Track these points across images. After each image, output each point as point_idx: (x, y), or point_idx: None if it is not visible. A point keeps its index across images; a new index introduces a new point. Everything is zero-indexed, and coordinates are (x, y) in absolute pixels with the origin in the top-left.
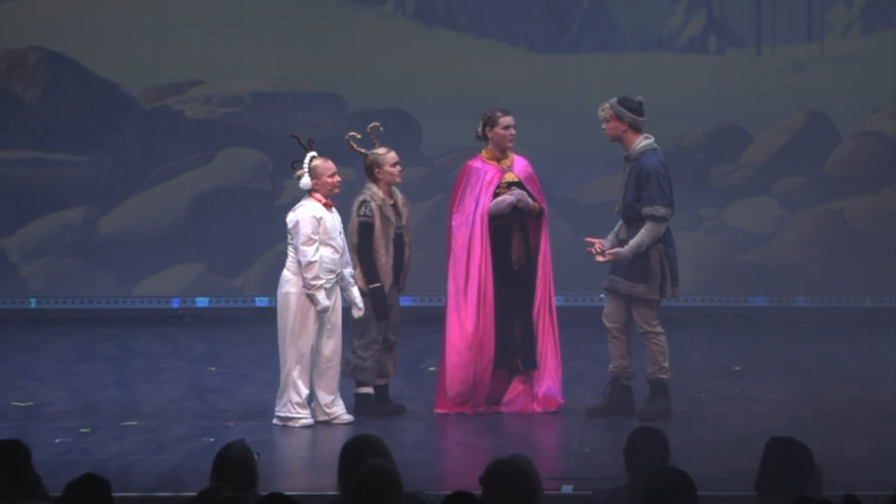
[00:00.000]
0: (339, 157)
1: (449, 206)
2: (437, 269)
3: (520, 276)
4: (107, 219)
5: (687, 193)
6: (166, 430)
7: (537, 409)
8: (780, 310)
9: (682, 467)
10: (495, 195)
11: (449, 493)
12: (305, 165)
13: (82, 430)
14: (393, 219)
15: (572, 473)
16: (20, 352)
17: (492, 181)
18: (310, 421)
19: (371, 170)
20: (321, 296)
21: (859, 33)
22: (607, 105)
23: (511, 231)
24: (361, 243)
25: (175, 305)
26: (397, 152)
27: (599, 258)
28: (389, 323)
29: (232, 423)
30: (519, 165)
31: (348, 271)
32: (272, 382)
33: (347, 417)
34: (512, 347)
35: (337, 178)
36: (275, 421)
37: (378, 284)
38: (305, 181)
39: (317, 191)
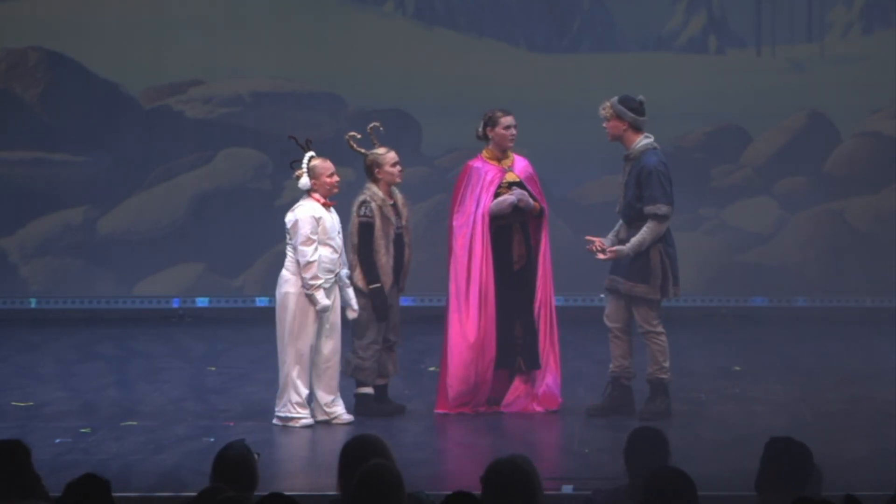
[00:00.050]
0: (338, 157)
1: (449, 207)
2: (437, 269)
3: (521, 276)
4: (107, 219)
5: (687, 193)
6: (166, 430)
7: (538, 408)
8: (780, 310)
9: (682, 467)
10: (496, 195)
11: (449, 493)
12: (304, 165)
13: (82, 430)
14: (393, 219)
15: (572, 473)
16: (20, 352)
17: (493, 181)
18: (310, 421)
19: (371, 170)
20: (320, 295)
21: (859, 33)
22: (608, 104)
23: (512, 231)
24: (361, 243)
25: (175, 305)
26: (397, 152)
27: (600, 256)
28: (389, 323)
29: (232, 423)
30: (519, 165)
31: (344, 272)
32: (272, 382)
33: (347, 417)
34: (514, 347)
35: (336, 178)
36: (275, 421)
37: (378, 285)
38: (304, 181)
39: (315, 191)
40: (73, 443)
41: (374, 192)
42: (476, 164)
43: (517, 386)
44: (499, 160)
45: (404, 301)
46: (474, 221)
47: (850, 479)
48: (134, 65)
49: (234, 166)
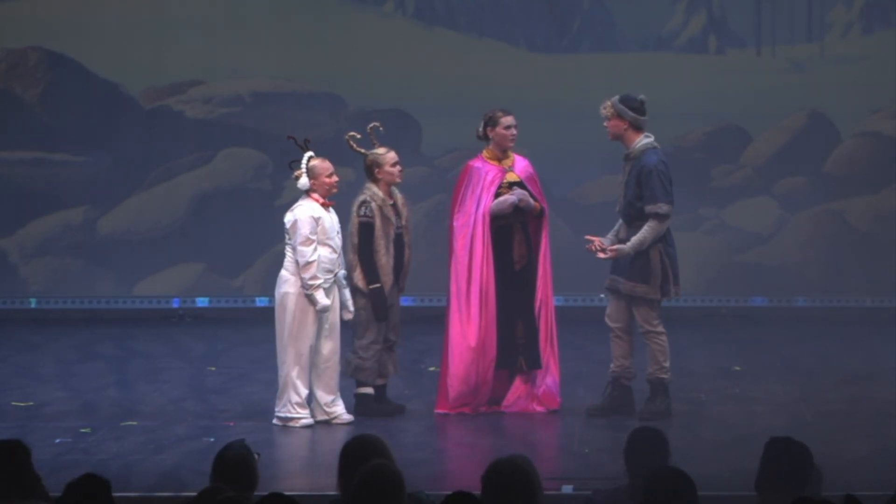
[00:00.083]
0: (338, 157)
1: (449, 207)
2: (437, 269)
3: (521, 276)
4: (107, 219)
5: (687, 193)
6: (166, 430)
7: (538, 408)
8: (780, 310)
9: (682, 467)
10: (497, 195)
11: (449, 493)
12: (303, 166)
13: (82, 430)
14: (393, 219)
15: (572, 473)
16: (20, 352)
17: (493, 181)
18: (310, 421)
19: (371, 170)
20: (320, 295)
21: (859, 33)
22: (609, 103)
23: (513, 231)
24: (362, 243)
25: (175, 305)
26: (397, 152)
27: (601, 255)
28: (390, 323)
29: (232, 423)
30: (520, 165)
31: (342, 273)
32: (272, 382)
33: (347, 417)
34: (515, 347)
35: (335, 178)
36: (275, 421)
37: (378, 285)
38: (303, 181)
39: (315, 191)
40: (73, 443)
41: (374, 192)
42: (476, 164)
43: (518, 386)
44: (499, 160)
45: (404, 301)
46: (475, 221)
47: (850, 479)
48: (134, 65)
49: (234, 166)
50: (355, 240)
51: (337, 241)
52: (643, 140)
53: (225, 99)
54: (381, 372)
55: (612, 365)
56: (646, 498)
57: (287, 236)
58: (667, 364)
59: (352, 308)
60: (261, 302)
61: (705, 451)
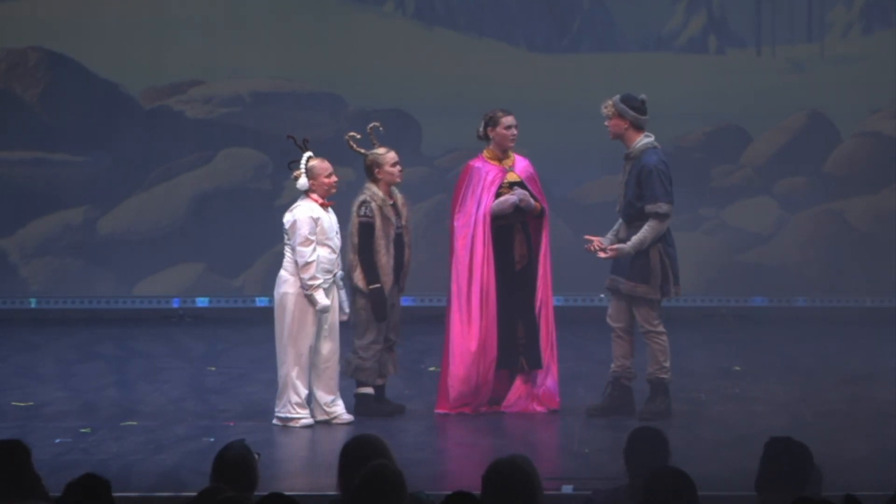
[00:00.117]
0: (338, 158)
1: (450, 207)
2: (437, 269)
3: (522, 276)
4: (107, 219)
5: (687, 193)
6: (166, 430)
7: (539, 408)
8: (780, 310)
9: (682, 467)
10: (497, 195)
11: (449, 493)
12: (302, 166)
13: (82, 430)
14: (393, 219)
15: (572, 473)
16: (20, 352)
17: (494, 181)
18: (310, 421)
19: (371, 170)
20: (319, 295)
21: (859, 33)
22: (610, 102)
23: (513, 231)
24: (362, 244)
25: (175, 305)
26: (397, 152)
27: (601, 255)
28: (390, 323)
29: (232, 423)
30: (520, 165)
31: (339, 274)
32: (272, 382)
33: (347, 417)
34: (516, 347)
35: (334, 179)
36: (275, 421)
37: (378, 285)
38: (302, 181)
39: (314, 191)
40: (73, 443)
41: (374, 192)
42: (477, 164)
43: (518, 386)
44: (500, 160)
45: (404, 301)
46: (476, 221)
47: (850, 479)
48: (134, 65)
49: (234, 166)
50: (355, 240)
51: (336, 241)
52: (643, 140)
53: (225, 99)
54: (381, 372)
55: (612, 365)
56: (646, 498)
57: (286, 236)
58: (667, 364)
59: (347, 309)
60: (261, 302)
61: (705, 451)
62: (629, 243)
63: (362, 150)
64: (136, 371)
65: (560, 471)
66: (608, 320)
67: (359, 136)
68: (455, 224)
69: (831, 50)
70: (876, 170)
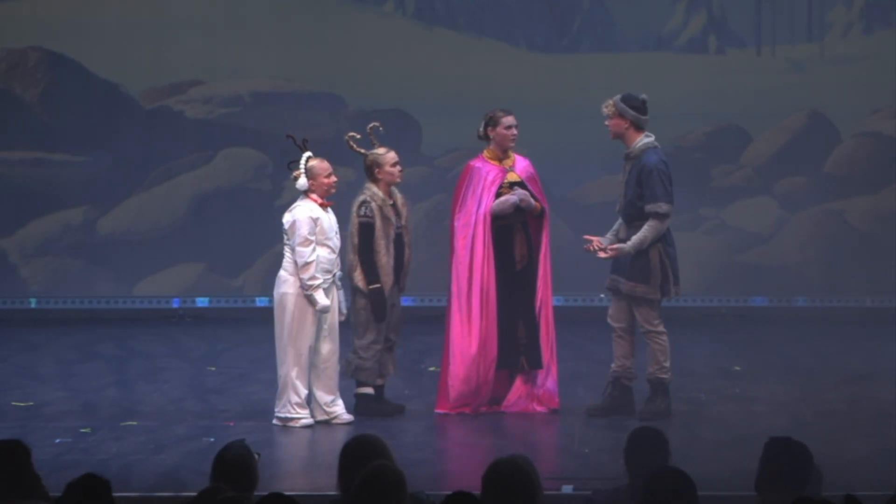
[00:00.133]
0: (338, 158)
1: (450, 207)
2: (437, 269)
3: (522, 276)
4: (107, 219)
5: (687, 193)
6: (166, 430)
7: (539, 408)
8: (780, 310)
9: (682, 467)
10: (498, 195)
11: (449, 493)
12: (301, 166)
13: (82, 430)
14: (393, 219)
15: (572, 473)
16: (20, 352)
17: (494, 181)
18: (310, 421)
19: (371, 170)
20: (319, 295)
21: (859, 33)
22: (611, 102)
23: (514, 231)
24: (362, 244)
25: (175, 305)
26: (397, 152)
27: (601, 254)
28: (390, 323)
29: (232, 423)
30: (520, 165)
31: (338, 274)
32: (272, 382)
33: (347, 417)
34: (516, 347)
35: (333, 179)
36: (275, 421)
37: (378, 285)
38: (302, 182)
39: (313, 191)
40: (73, 443)
41: (373, 192)
42: (477, 164)
43: (518, 386)
44: (500, 160)
45: (404, 301)
46: (476, 221)
47: (850, 479)
48: (134, 65)
49: (234, 166)
50: (355, 240)
51: (335, 241)
52: (644, 139)
53: (225, 99)
54: (381, 372)
55: (613, 365)
56: (646, 498)
57: (286, 237)
58: (667, 364)
59: (344, 310)
60: (261, 302)
61: (705, 451)
62: (629, 243)
63: (362, 151)
64: (136, 371)
65: (560, 471)
66: (609, 320)
67: (359, 136)
68: (455, 224)
69: (831, 50)
70: (876, 170)
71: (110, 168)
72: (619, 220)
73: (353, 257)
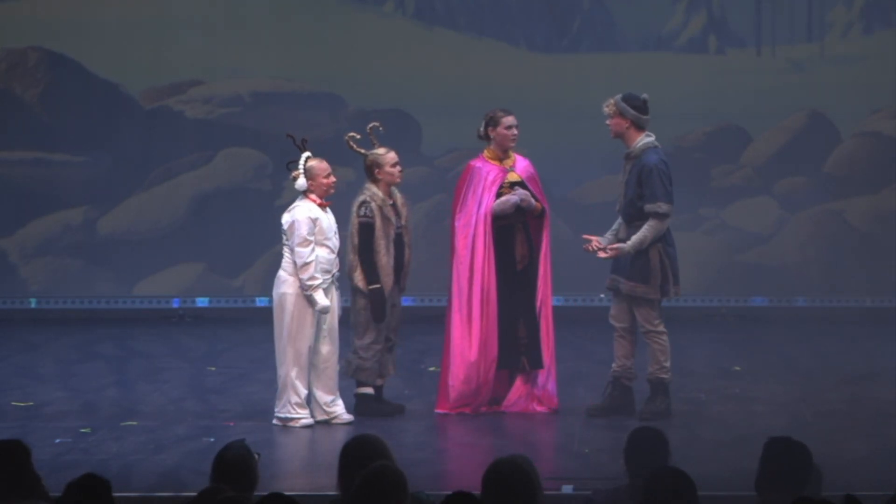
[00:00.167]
0: (338, 158)
1: (450, 207)
2: (437, 269)
3: (523, 276)
4: (107, 219)
5: (687, 193)
6: (166, 430)
7: (539, 408)
8: (780, 310)
9: (682, 467)
10: (498, 195)
11: (449, 493)
12: (300, 166)
13: (82, 430)
14: (393, 219)
15: (572, 473)
16: (20, 352)
17: (494, 181)
18: (310, 421)
19: (371, 170)
20: (319, 296)
21: (859, 33)
22: (612, 101)
23: (515, 231)
24: (362, 244)
25: (175, 305)
26: (397, 152)
27: (601, 254)
28: (390, 323)
29: (232, 423)
30: (521, 165)
31: (335, 274)
32: (272, 382)
33: (347, 417)
34: (517, 347)
35: (332, 179)
36: (274, 421)
37: (378, 286)
38: (301, 182)
39: (312, 191)
40: (73, 443)
41: (373, 192)
42: (477, 164)
43: (518, 386)
44: (500, 160)
45: (404, 301)
46: (477, 221)
47: (850, 479)
48: (134, 65)
49: (234, 166)
50: (355, 240)
51: (334, 241)
52: (644, 139)
53: (225, 99)
54: (381, 372)
55: (613, 364)
56: (646, 498)
57: (284, 237)
58: (667, 364)
59: (339, 312)
60: (261, 302)
61: (705, 451)
62: (629, 243)
63: (362, 151)
64: (136, 371)
65: (560, 471)
66: (611, 320)
67: (359, 137)
68: (456, 224)
69: (831, 50)
70: (876, 170)
71: (110, 168)
72: (619, 220)
73: (353, 257)
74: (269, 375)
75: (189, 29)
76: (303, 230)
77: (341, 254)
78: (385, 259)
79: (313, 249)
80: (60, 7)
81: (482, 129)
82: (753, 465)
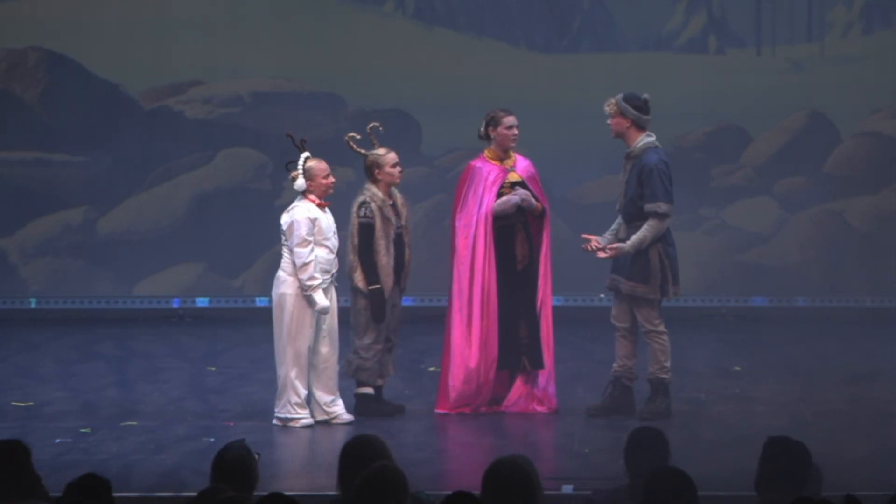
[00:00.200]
0: (338, 158)
1: (450, 207)
2: (437, 269)
3: (524, 276)
4: (107, 219)
5: (687, 193)
6: (166, 430)
7: (540, 408)
8: (780, 310)
9: (682, 467)
10: (499, 195)
11: (449, 493)
12: (300, 167)
13: (82, 430)
14: (393, 219)
15: (572, 473)
16: (20, 352)
17: (495, 181)
18: (310, 421)
19: (371, 170)
20: (318, 296)
21: (859, 33)
22: (613, 101)
23: (515, 231)
24: (362, 244)
25: (175, 305)
26: (397, 152)
27: (601, 254)
28: (391, 323)
29: (232, 423)
30: (521, 165)
31: (334, 274)
32: (272, 382)
33: (347, 417)
34: (518, 347)
35: (331, 179)
36: (274, 421)
37: (378, 286)
38: (300, 182)
39: (311, 192)
40: (73, 443)
41: (373, 192)
42: (478, 164)
43: (518, 386)
44: (501, 160)
45: (404, 301)
46: (477, 221)
47: (850, 479)
48: (134, 65)
49: (234, 166)
50: (355, 240)
51: (334, 241)
52: (645, 139)
53: (225, 99)
54: (381, 372)
55: (614, 364)
56: (646, 498)
57: (283, 237)
58: (668, 364)
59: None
60: (261, 302)
61: (705, 451)
62: (629, 242)
63: (362, 151)
64: (136, 371)
65: (560, 471)
66: (612, 320)
67: (359, 137)
68: (457, 224)
69: (831, 50)
70: (876, 170)
71: (110, 168)
72: (619, 220)
73: (353, 258)
74: (268, 375)
75: (189, 29)
76: (302, 230)
77: (341, 254)
78: (385, 259)
79: (312, 250)
80: (60, 7)
81: (483, 129)
82: (753, 465)
